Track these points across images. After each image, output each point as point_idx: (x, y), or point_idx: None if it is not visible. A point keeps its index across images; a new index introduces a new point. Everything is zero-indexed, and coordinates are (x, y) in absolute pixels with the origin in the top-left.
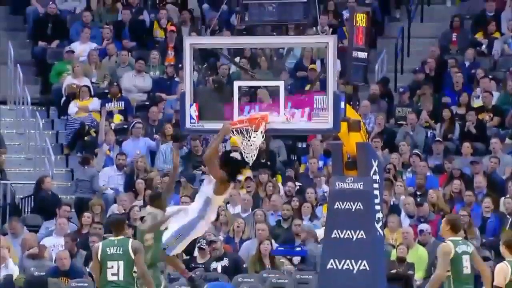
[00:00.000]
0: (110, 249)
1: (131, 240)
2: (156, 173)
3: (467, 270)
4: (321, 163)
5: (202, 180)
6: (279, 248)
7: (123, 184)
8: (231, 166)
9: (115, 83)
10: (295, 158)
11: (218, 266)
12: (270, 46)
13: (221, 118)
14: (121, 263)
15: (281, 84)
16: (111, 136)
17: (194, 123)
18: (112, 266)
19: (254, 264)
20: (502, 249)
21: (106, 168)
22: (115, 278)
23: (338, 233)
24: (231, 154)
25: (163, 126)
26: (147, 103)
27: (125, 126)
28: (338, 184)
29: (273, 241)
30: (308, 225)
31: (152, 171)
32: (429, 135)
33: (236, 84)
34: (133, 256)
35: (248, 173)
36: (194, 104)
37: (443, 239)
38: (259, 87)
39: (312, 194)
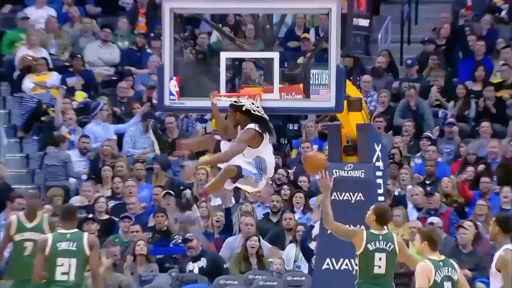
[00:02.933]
0: (61, 244)
1: (86, 234)
2: (124, 159)
3: None
4: (315, 147)
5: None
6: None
7: (87, 172)
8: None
9: (77, 55)
10: (285, 142)
11: (194, 267)
12: (263, 12)
13: (205, 94)
14: (74, 260)
15: (275, 56)
16: (72, 117)
17: (174, 100)
18: (63, 264)
19: (238, 264)
20: (421, 246)
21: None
22: (64, 277)
23: None
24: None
25: (131, 104)
26: (114, 78)
27: (89, 105)
28: (336, 172)
29: (260, 237)
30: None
31: (120, 157)
32: (440, 115)
33: (224, 55)
34: (87, 253)
35: None
36: (174, 78)
37: (455, 235)
38: (244, 59)
39: (305, 183)
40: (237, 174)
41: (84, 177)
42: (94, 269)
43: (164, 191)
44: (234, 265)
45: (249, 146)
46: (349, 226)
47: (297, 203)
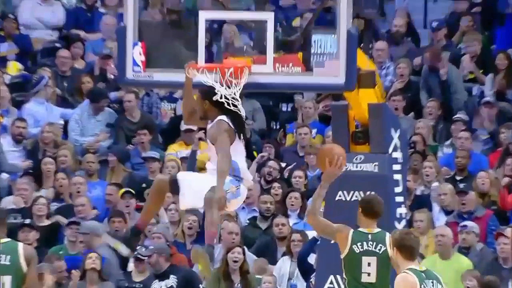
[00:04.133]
0: None
1: (21, 244)
2: (69, 147)
3: None
4: (314, 132)
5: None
6: None
7: (23, 165)
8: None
9: (9, 15)
10: (278, 126)
11: (161, 286)
12: None
13: (179, 65)
14: (8, 278)
15: (269, 17)
16: (4, 94)
17: (139, 72)
18: None
19: (217, 282)
20: (392, 255)
21: None
22: None
23: None
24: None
25: (80, 78)
26: (57, 45)
27: (28, 79)
28: None
29: (245, 248)
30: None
31: (65, 145)
32: (475, 92)
33: (203, 16)
34: (24, 269)
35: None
36: (139, 44)
37: (494, 245)
38: (225, 22)
39: (301, 179)
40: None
41: (19, 171)
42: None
43: (123, 190)
44: (212, 284)
45: (212, 145)
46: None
47: (292, 205)
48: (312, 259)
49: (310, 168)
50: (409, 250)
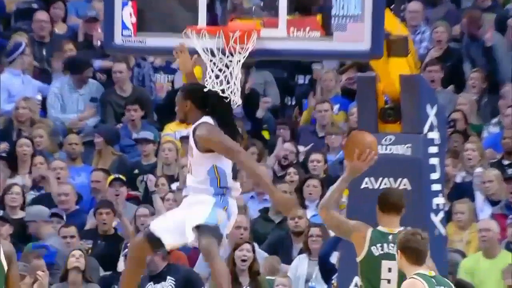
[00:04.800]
0: None
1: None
2: (47, 125)
3: None
4: (336, 108)
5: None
6: None
7: None
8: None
9: None
10: (293, 102)
11: None
12: None
13: (176, 28)
14: None
15: None
16: None
17: (129, 36)
18: None
19: None
20: (398, 259)
21: None
22: None
23: None
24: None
25: (61, 44)
26: (35, 5)
27: (2, 46)
28: None
29: (256, 245)
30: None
31: (41, 123)
32: None
33: None
34: (5, 268)
35: None
36: (130, 4)
37: None
38: None
39: (320, 163)
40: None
41: None
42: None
43: (111, 177)
44: (215, 286)
45: (202, 151)
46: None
47: (310, 194)
48: (334, 258)
49: (331, 151)
50: (414, 253)
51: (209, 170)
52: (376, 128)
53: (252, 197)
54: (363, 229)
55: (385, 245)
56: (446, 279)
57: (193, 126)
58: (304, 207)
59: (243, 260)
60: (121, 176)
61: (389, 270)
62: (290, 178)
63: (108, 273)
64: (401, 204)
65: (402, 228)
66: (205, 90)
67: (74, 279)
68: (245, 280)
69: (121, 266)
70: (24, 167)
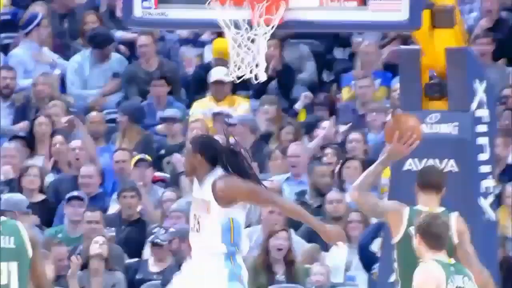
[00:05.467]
0: None
1: (21, 224)
2: (63, 102)
3: None
4: (378, 84)
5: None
6: None
7: (9, 125)
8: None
9: None
10: (332, 78)
11: None
12: None
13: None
14: (14, 265)
15: None
16: None
17: (150, 8)
18: (0, 272)
19: (255, 273)
20: (416, 244)
21: None
22: None
23: None
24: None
25: (82, 16)
26: None
27: (15, 18)
28: None
29: (292, 231)
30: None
31: (56, 101)
32: None
33: None
34: (30, 253)
35: (244, 105)
36: None
37: None
38: None
39: (360, 143)
40: None
41: (9, 134)
42: (40, 279)
43: (136, 157)
44: (248, 275)
45: (224, 205)
46: None
47: (350, 176)
48: (375, 245)
49: (372, 130)
50: (434, 237)
51: (224, 223)
52: (420, 105)
53: (287, 179)
54: (399, 209)
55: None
56: (466, 269)
57: (209, 180)
58: (343, 190)
59: (279, 249)
60: (146, 157)
61: None
62: (328, 159)
63: (132, 260)
64: (442, 182)
65: (443, 209)
66: (216, 144)
67: (96, 266)
68: (279, 269)
69: (146, 253)
70: (42, 147)
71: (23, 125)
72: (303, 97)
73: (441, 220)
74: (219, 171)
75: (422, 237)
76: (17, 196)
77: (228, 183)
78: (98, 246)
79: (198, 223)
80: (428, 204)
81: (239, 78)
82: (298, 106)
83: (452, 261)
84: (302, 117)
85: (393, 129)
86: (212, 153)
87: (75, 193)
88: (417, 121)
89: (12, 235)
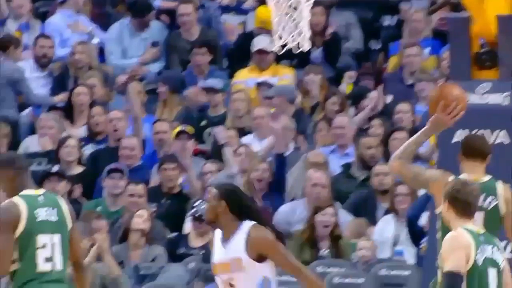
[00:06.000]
0: (39, 212)
1: (60, 197)
2: (100, 72)
3: None
4: (426, 52)
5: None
6: None
7: (47, 96)
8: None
9: None
10: (379, 46)
11: None
12: None
13: None
14: (57, 237)
15: None
16: (23, 2)
17: None
18: (45, 245)
19: (299, 249)
20: (444, 211)
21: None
22: (48, 267)
23: None
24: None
25: None
26: None
27: None
28: None
29: (338, 205)
30: None
31: (92, 71)
32: None
33: None
34: (69, 225)
35: (287, 74)
36: None
37: None
38: None
39: (408, 114)
40: None
41: (47, 104)
42: (77, 253)
43: (177, 128)
44: (292, 250)
45: (254, 258)
46: None
47: (397, 148)
48: (423, 219)
49: (420, 100)
50: (463, 204)
51: (259, 283)
52: (470, 75)
53: (333, 151)
54: (443, 178)
55: (479, 250)
56: (496, 239)
57: (240, 236)
58: None
59: (325, 226)
60: (188, 128)
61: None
62: (375, 130)
63: (173, 234)
64: (487, 150)
65: (489, 177)
66: (240, 193)
67: (137, 241)
68: (324, 244)
69: (187, 227)
70: (81, 118)
71: (61, 95)
72: (347, 77)
73: (471, 187)
74: (247, 225)
75: (450, 204)
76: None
77: (265, 234)
78: (141, 221)
79: (232, 286)
80: (473, 173)
81: (282, 47)
82: (343, 86)
83: (482, 230)
84: (349, 89)
85: (437, 99)
86: (237, 201)
87: (115, 165)
88: (462, 91)
89: (54, 207)
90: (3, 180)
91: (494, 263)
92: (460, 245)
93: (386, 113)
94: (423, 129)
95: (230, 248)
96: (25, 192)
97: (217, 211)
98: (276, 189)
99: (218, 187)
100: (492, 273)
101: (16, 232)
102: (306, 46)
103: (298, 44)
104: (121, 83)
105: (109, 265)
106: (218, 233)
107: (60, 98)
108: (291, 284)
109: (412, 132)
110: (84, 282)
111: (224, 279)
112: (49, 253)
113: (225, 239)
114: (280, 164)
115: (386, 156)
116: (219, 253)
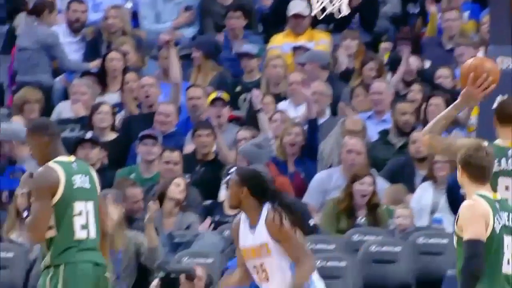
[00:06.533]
0: (75, 179)
1: (87, 163)
2: (132, 37)
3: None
4: (466, 16)
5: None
6: None
7: (80, 61)
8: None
9: None
10: (417, 10)
11: None
12: None
13: None
14: (90, 205)
15: None
16: None
17: None
18: (81, 212)
19: (336, 216)
20: (459, 176)
21: None
22: (84, 234)
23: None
24: None
25: None
26: None
27: None
28: (503, 61)
29: (375, 172)
30: None
31: (124, 37)
32: None
33: None
34: (98, 192)
35: (324, 39)
36: None
37: None
38: None
39: (448, 79)
40: None
41: (81, 70)
42: (104, 221)
43: (213, 94)
44: (328, 219)
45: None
46: None
47: (434, 114)
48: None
49: (460, 65)
50: (477, 169)
51: (291, 266)
52: (511, 40)
53: (369, 117)
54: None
55: (503, 160)
56: (511, 205)
57: (262, 222)
58: None
59: (363, 195)
60: (224, 95)
61: (506, 188)
62: (413, 96)
63: (208, 202)
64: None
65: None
66: (261, 177)
67: (171, 209)
68: (362, 212)
69: (222, 194)
70: (114, 84)
71: (95, 62)
72: (383, 47)
73: (485, 151)
74: (266, 208)
75: (463, 169)
76: (16, 125)
77: (279, 220)
78: (178, 190)
79: (264, 271)
80: (508, 138)
81: (321, 12)
82: (380, 55)
83: (498, 196)
84: (386, 56)
85: (468, 72)
86: (258, 185)
87: (148, 131)
88: (494, 64)
89: (87, 174)
90: (36, 146)
91: (509, 231)
92: (478, 213)
93: (425, 78)
94: (454, 103)
95: (256, 233)
96: (59, 158)
97: (240, 197)
98: (308, 155)
99: (238, 173)
100: (507, 240)
101: (54, 199)
102: (345, 10)
103: (338, 8)
104: (161, 44)
105: (150, 235)
106: (244, 217)
107: (93, 64)
108: None
109: (453, 97)
110: (106, 249)
111: (256, 264)
112: (84, 221)
113: (252, 224)
114: (313, 130)
115: (424, 122)
116: (247, 239)
